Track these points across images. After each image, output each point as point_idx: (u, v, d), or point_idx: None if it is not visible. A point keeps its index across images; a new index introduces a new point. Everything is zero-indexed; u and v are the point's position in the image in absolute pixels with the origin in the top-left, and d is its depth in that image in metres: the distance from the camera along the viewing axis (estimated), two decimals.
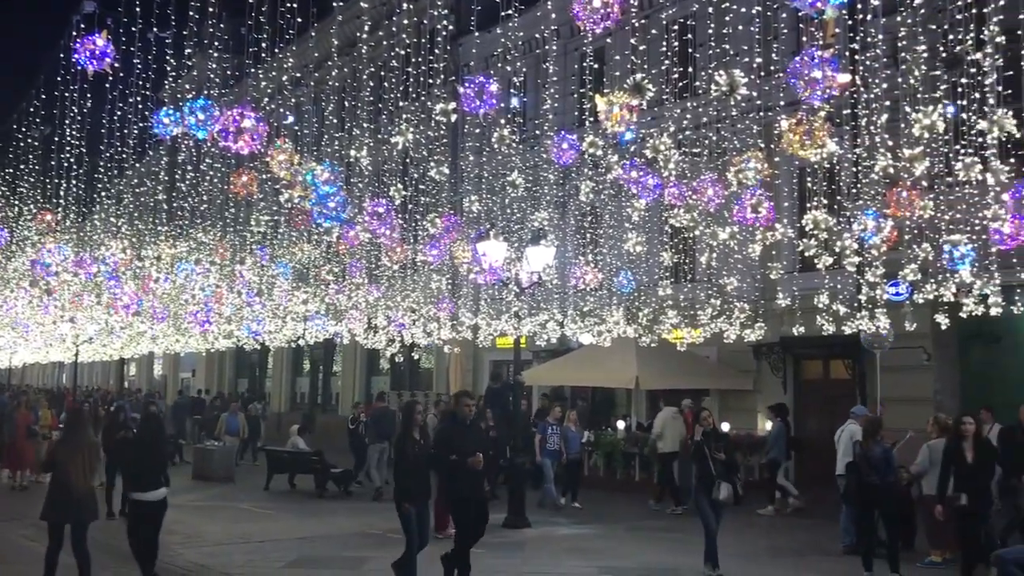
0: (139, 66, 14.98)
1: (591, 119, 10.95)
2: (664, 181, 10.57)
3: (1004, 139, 7.68)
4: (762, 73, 10.11)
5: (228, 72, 16.49)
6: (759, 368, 19.51)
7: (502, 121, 9.08)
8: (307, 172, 10.15)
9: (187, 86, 22.50)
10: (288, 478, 18.89)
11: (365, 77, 15.16)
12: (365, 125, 15.67)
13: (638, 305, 18.55)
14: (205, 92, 15.11)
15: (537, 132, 17.35)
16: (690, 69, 11.25)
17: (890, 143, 9.66)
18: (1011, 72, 9.32)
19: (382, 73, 18.30)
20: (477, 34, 14.46)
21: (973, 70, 9.09)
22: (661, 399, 18.12)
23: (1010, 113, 7.27)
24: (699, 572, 10.26)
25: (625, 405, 21.47)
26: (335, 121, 19.87)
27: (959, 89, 9.76)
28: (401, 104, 13.61)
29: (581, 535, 13.79)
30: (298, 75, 22.04)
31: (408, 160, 16.83)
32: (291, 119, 24.14)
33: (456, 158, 21.94)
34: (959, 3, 9.66)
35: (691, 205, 9.88)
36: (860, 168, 12.99)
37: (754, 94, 11.47)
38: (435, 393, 25.48)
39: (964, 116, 9.30)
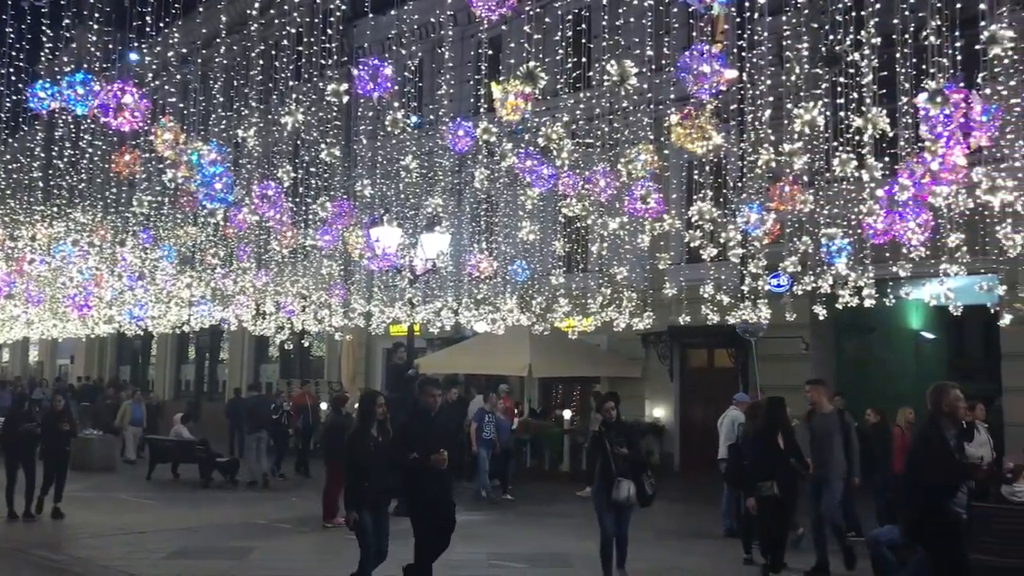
0: (12, 36, 14.15)
1: (486, 107, 10.94)
2: (558, 170, 10.66)
3: (878, 136, 8.03)
4: (653, 67, 10.31)
5: (110, 46, 15.76)
6: (647, 356, 19.97)
7: (396, 104, 8.94)
8: (193, 152, 9.81)
9: (65, 59, 21.42)
10: (171, 468, 18.35)
11: (255, 56, 14.73)
12: (254, 105, 15.25)
13: (531, 294, 18.71)
14: (85, 66, 14.42)
15: (432, 118, 17.27)
16: (584, 60, 11.37)
17: (773, 138, 10.02)
18: (885, 73, 9.76)
19: (273, 52, 17.86)
20: (372, 16, 14.26)
21: (852, 70, 9.48)
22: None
23: (884, 112, 7.61)
24: (587, 557, 10.41)
25: (518, 392, 21.65)
26: (223, 100, 19.27)
27: (838, 88, 10.17)
28: (292, 84, 13.28)
29: (472, 521, 13.80)
30: (185, 51, 21.27)
31: (299, 142, 16.49)
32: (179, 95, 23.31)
33: (349, 141, 21.61)
34: (839, 5, 10.06)
35: (583, 195, 9.98)
36: (745, 163, 13.42)
37: (645, 86, 11.68)
38: (327, 382, 25.14)
39: (842, 114, 9.68)
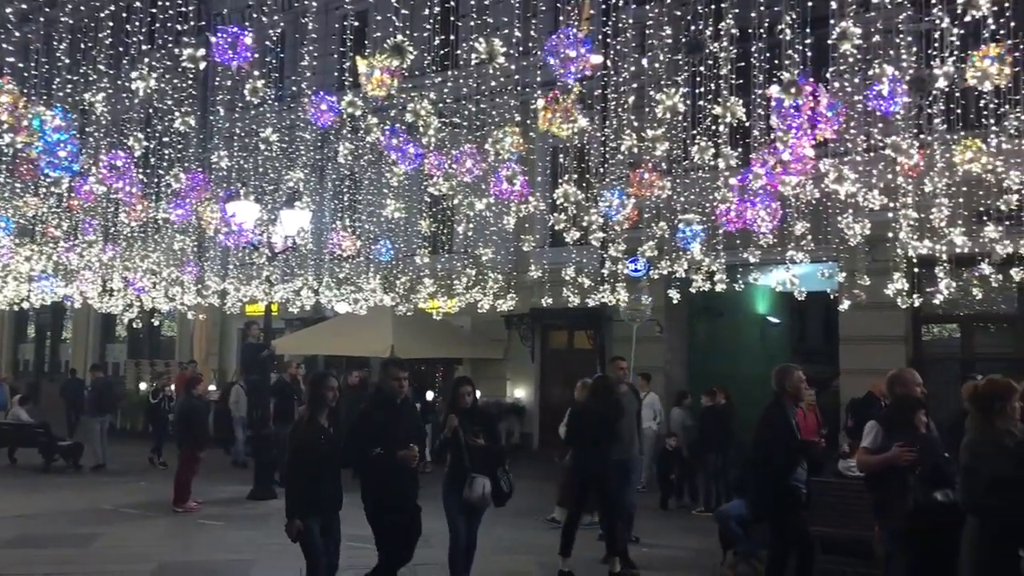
0: None
1: (351, 81, 10.71)
2: (424, 149, 10.57)
3: (735, 125, 8.33)
4: (520, 48, 10.35)
5: None
6: (510, 338, 20.18)
7: (255, 73, 8.61)
8: (34, 117, 9.17)
9: None
10: (8, 452, 17.27)
11: (104, 16, 13.89)
12: (103, 69, 14.39)
13: (395, 274, 18.53)
14: None
15: (294, 89, 16.80)
16: (452, 38, 11.29)
17: (635, 124, 10.26)
18: (743, 64, 10.14)
19: (124, 14, 16.88)
20: None
21: (710, 61, 9.80)
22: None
23: (741, 102, 7.91)
24: (446, 537, 10.41)
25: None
26: (69, 63, 18.10)
27: (697, 78, 10.51)
28: (145, 48, 12.61)
29: None
30: (25, 8, 19.85)
31: (151, 110, 15.71)
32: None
33: (206, 111, 20.76)
34: None
35: (450, 175, 9.93)
36: (608, 148, 13.69)
37: (513, 67, 11.72)
38: (178, 362, 24.19)
39: (701, 103, 10.01)
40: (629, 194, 11.14)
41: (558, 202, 10.31)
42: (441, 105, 11.88)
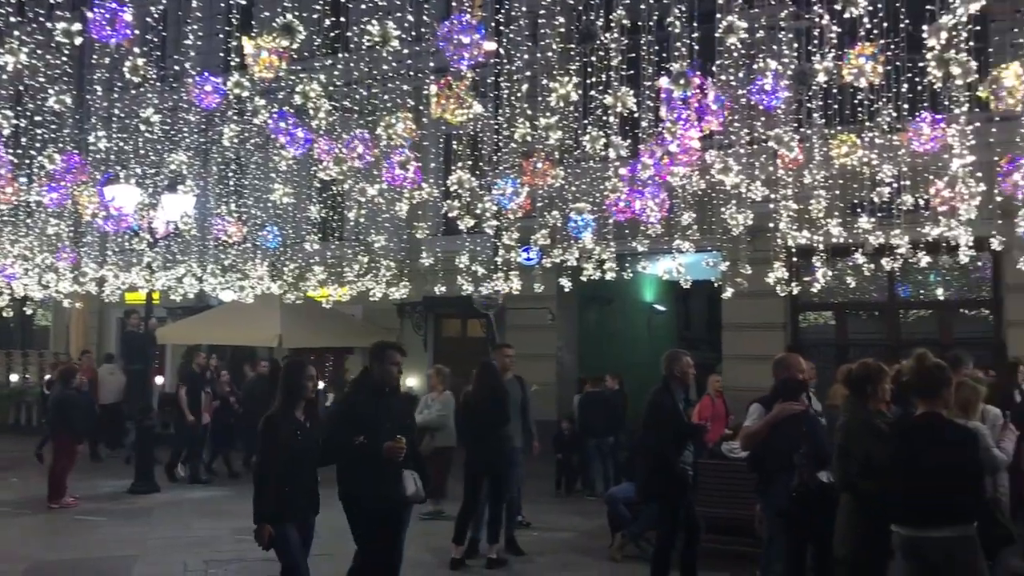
0: None
1: (237, 62, 10.40)
2: (314, 133, 10.36)
3: (626, 116, 8.46)
4: (413, 34, 10.24)
5: None
6: (402, 326, 20.03)
7: (136, 51, 8.25)
8: None
9: None
10: None
11: None
12: None
13: (284, 261, 18.12)
14: None
15: (177, 69, 16.19)
16: (343, 19, 11.08)
17: (529, 113, 10.30)
18: (633, 55, 10.33)
19: None
20: None
21: (602, 52, 9.93)
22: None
23: (631, 92, 8.04)
24: (334, 527, 10.25)
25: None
26: None
27: (589, 68, 10.63)
28: (15, 21, 11.92)
29: (214, 497, 13.32)
30: None
31: (22, 87, 14.83)
32: None
33: (82, 90, 19.78)
34: None
35: (340, 159, 9.75)
36: (501, 137, 13.73)
37: (405, 51, 11.60)
38: (52, 353, 23.08)
39: (592, 93, 10.13)
40: (522, 183, 11.20)
41: (451, 189, 10.28)
42: (331, 88, 11.64)
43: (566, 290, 15.64)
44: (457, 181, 9.45)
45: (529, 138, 9.38)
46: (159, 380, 16.60)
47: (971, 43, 7.57)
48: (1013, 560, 7.90)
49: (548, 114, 8.76)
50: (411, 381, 20.05)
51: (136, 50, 8.28)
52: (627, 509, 9.29)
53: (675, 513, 7.38)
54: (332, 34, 12.68)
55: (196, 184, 17.03)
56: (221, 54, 15.64)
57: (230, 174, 19.66)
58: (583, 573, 8.90)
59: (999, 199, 11.40)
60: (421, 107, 10.69)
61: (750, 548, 7.81)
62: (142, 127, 13.60)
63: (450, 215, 12.05)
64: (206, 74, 10.07)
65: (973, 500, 5.39)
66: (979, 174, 10.75)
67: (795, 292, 14.87)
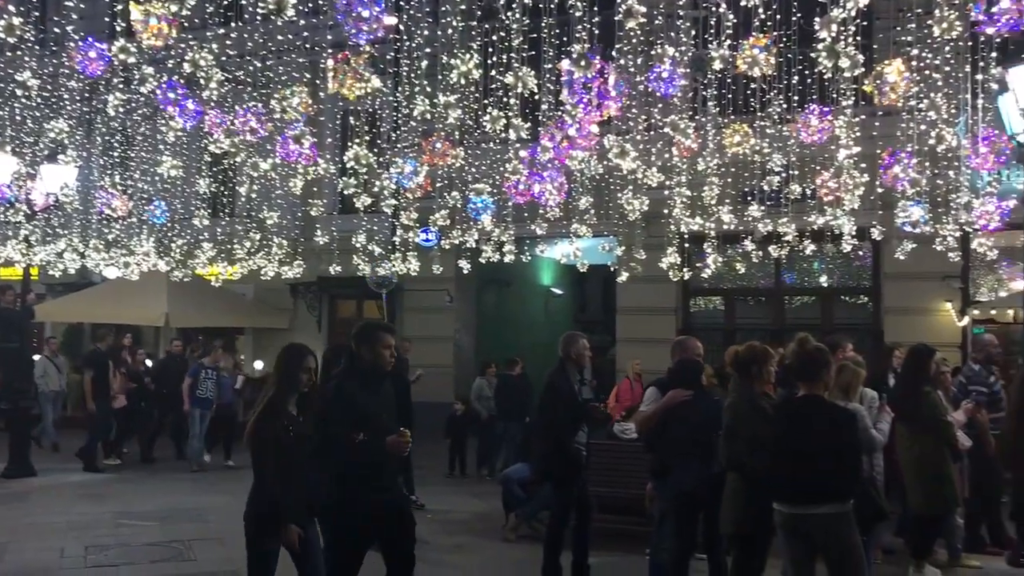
0: None
1: (123, 28, 9.93)
2: (204, 105, 9.99)
3: (526, 96, 8.45)
4: (310, 5, 9.96)
5: None
6: (296, 307, 19.64)
7: (11, 9, 7.78)
8: None
9: None
10: None
11: None
12: None
13: (171, 237, 17.49)
14: None
15: (58, 32, 15.36)
16: None
17: (428, 90, 10.17)
18: (535, 35, 10.31)
19: None
20: None
21: (503, 33, 9.87)
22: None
23: (532, 73, 8.02)
24: (222, 510, 10.03)
25: (152, 344, 20.25)
26: None
27: (490, 48, 10.57)
28: None
29: (95, 480, 12.84)
30: None
31: None
32: None
33: None
34: None
35: (231, 131, 9.44)
36: (401, 115, 13.54)
37: (302, 24, 11.31)
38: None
39: (493, 73, 10.07)
40: (421, 162, 11.08)
41: (348, 166, 10.07)
42: (224, 59, 11.24)
43: (465, 272, 15.60)
44: (354, 158, 9.25)
45: (428, 116, 9.27)
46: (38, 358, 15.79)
47: (857, 38, 7.84)
48: (885, 535, 8.32)
49: (448, 92, 8.66)
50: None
51: (11, 8, 7.80)
52: (522, 490, 9.35)
53: (568, 493, 7.45)
54: (225, 2, 12.24)
55: (78, 155, 16.25)
56: (107, 19, 14.90)
57: (115, 145, 18.82)
58: (477, 554, 8.91)
59: (880, 190, 11.89)
60: (318, 81, 10.43)
61: (641, 528, 7.96)
62: (19, 92, 12.89)
63: (346, 193, 11.82)
64: (90, 39, 9.59)
65: (851, 479, 5.62)
66: (863, 165, 11.19)
67: (687, 277, 15.21)
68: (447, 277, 16.53)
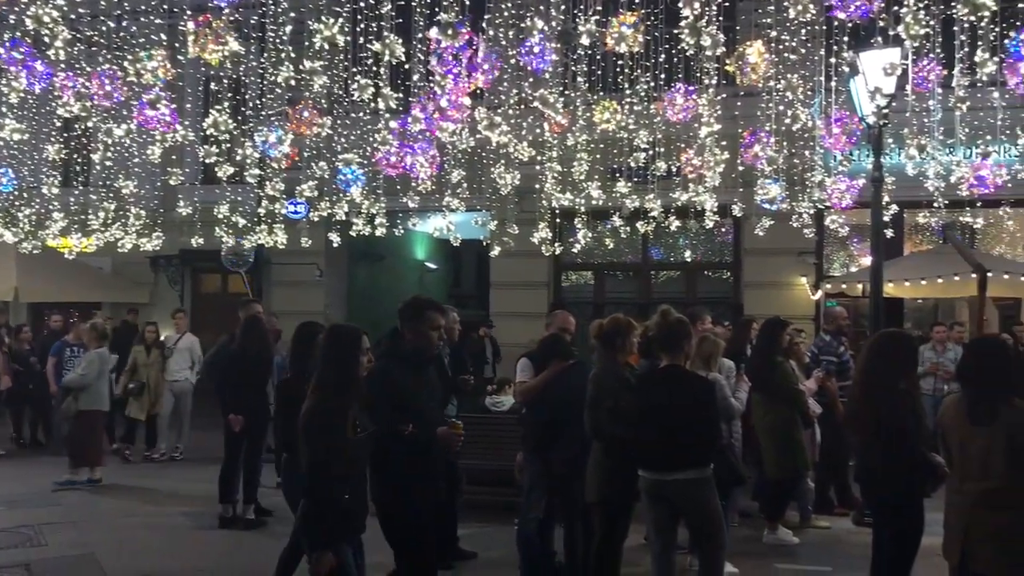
0: None
1: None
2: (53, 65, 9.38)
3: (395, 65, 8.29)
4: None
5: None
6: (157, 281, 18.88)
7: None
8: None
9: None
10: None
11: None
12: None
13: (19, 206, 16.41)
14: None
15: None
16: None
17: (293, 56, 9.85)
18: (404, 2, 10.12)
19: None
20: None
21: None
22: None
23: (400, 41, 7.87)
24: (78, 494, 9.58)
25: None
26: None
27: (359, 15, 10.31)
28: None
29: None
30: None
31: None
32: None
33: None
34: None
35: (83, 94, 8.89)
36: (266, 82, 13.09)
37: None
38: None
39: (362, 40, 9.83)
40: (287, 130, 10.76)
41: (208, 134, 9.66)
42: (73, 17, 10.59)
43: (335, 245, 15.30)
44: (213, 125, 8.87)
45: (293, 83, 8.97)
46: None
47: (720, 18, 8.05)
48: (742, 499, 8.70)
49: (313, 59, 8.41)
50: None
51: None
52: None
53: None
54: None
55: None
56: None
57: None
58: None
59: (741, 169, 12.32)
60: (177, 44, 9.94)
61: (511, 498, 8.03)
62: None
63: (208, 162, 11.35)
64: None
65: (710, 445, 5.83)
66: (723, 143, 11.55)
67: (558, 252, 15.41)
68: (316, 250, 16.20)
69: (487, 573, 7.34)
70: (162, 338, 13.17)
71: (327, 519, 4.37)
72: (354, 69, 9.71)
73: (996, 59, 8.33)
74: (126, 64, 8.82)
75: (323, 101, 10.83)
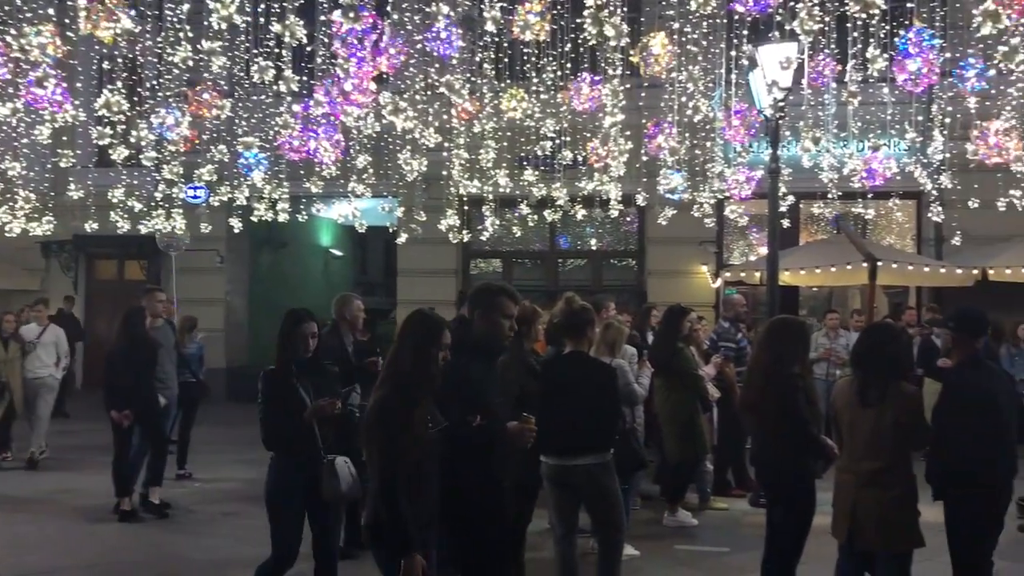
0: None
1: None
2: None
3: (296, 46, 8.10)
4: None
5: None
6: (48, 267, 18.12)
7: None
8: None
9: None
10: None
11: None
12: None
13: None
14: None
15: None
16: None
17: (192, 35, 9.52)
18: None
19: None
20: None
21: None
22: None
23: (303, 22, 7.70)
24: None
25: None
26: None
27: None
28: None
29: None
30: None
31: None
32: None
33: None
34: None
35: None
36: (163, 62, 12.65)
37: None
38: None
39: (263, 20, 9.58)
40: (185, 112, 10.43)
41: (102, 113, 9.27)
42: None
43: (236, 231, 14.93)
44: (106, 105, 8.52)
45: (191, 63, 8.69)
46: None
47: (624, 10, 8.15)
48: (644, 483, 8.86)
49: (212, 39, 8.15)
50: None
51: None
52: None
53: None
54: None
55: None
56: None
57: None
58: (246, 520, 8.60)
59: (645, 159, 12.51)
60: (68, 20, 9.50)
61: None
62: None
63: (101, 144, 10.90)
64: None
65: (612, 431, 5.92)
66: (627, 133, 11.70)
67: (466, 240, 15.39)
68: (217, 236, 15.81)
69: None
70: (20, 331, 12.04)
71: (405, 521, 3.95)
72: (255, 51, 9.46)
73: (886, 56, 8.65)
74: (9, 39, 8.38)
75: (223, 83, 10.53)
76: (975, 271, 12.67)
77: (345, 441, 5.52)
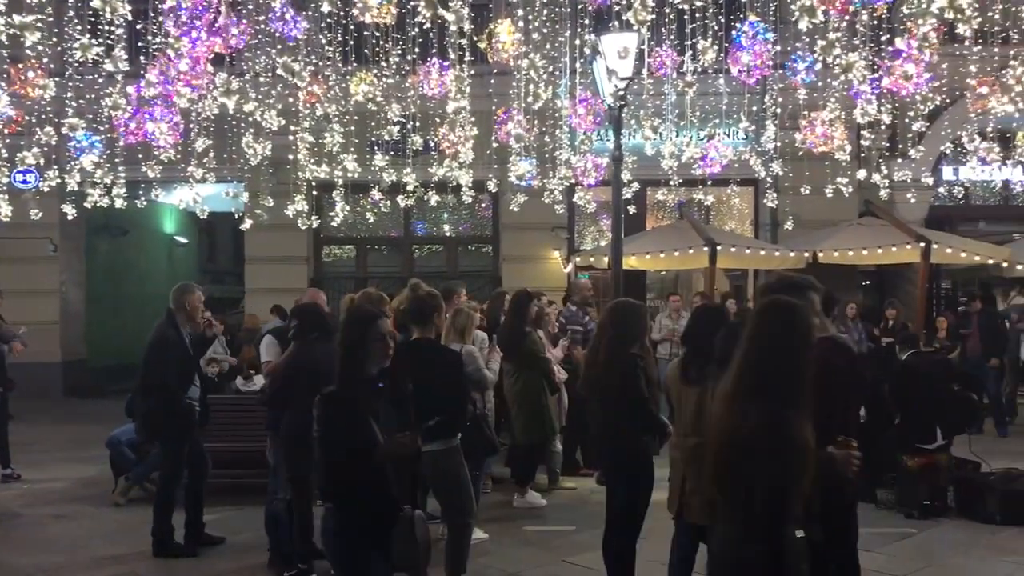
0: None
1: None
2: None
3: (124, 24, 7.66)
4: None
5: None
6: None
7: None
8: None
9: None
10: None
11: None
12: None
13: None
14: None
15: None
16: None
17: (6, 7, 8.84)
18: None
19: None
20: None
21: None
22: None
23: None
24: None
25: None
26: None
27: None
28: None
29: None
30: None
31: None
32: None
33: None
34: None
35: None
36: None
37: None
38: None
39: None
40: (7, 91, 9.74)
41: None
42: None
43: (70, 218, 14.09)
44: None
45: (5, 39, 8.07)
46: None
47: None
48: (495, 467, 8.96)
49: (24, 12, 7.60)
50: None
51: None
52: (132, 451, 8.74)
53: (179, 451, 7.09)
54: None
55: None
56: None
57: None
58: (80, 521, 8.21)
59: (496, 145, 12.58)
60: None
61: (260, 480, 7.80)
62: None
63: None
64: None
65: (459, 416, 5.93)
66: (472, 120, 11.71)
67: (316, 226, 15.08)
68: (49, 223, 14.92)
69: (236, 557, 7.08)
70: None
71: None
72: (80, 27, 8.90)
73: (720, 48, 9.00)
74: None
75: (48, 60, 9.88)
76: (806, 254, 13.39)
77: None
